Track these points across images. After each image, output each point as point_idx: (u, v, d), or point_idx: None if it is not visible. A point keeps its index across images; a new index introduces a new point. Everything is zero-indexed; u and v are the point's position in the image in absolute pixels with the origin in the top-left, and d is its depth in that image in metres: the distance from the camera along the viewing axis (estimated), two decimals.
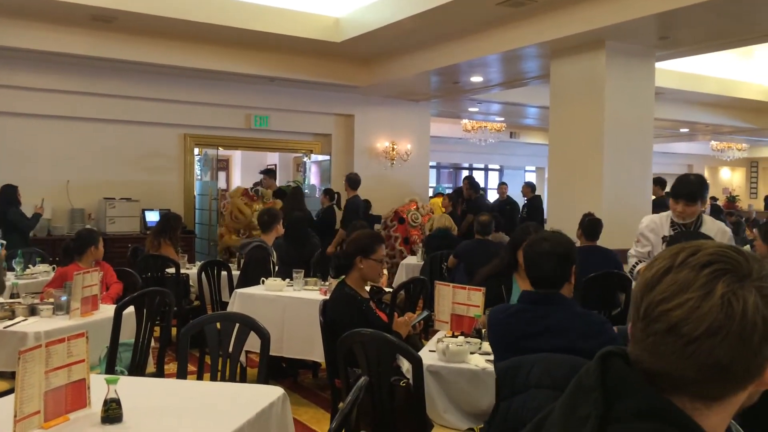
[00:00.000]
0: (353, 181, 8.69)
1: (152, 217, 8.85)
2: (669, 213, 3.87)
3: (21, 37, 7.38)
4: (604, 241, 5.42)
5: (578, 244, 5.31)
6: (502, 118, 14.00)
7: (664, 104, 10.03)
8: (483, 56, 7.76)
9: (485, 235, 5.99)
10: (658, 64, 7.41)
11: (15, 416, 1.95)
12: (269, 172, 10.05)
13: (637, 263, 3.92)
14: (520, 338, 2.34)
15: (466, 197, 9.37)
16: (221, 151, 11.01)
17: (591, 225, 5.31)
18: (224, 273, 5.89)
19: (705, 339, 0.85)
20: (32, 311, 3.80)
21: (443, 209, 9.37)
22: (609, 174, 6.78)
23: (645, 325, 0.90)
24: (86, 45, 7.73)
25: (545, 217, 9.73)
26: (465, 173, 19.59)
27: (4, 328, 3.54)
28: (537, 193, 11.45)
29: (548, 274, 2.42)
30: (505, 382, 2.20)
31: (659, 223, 3.87)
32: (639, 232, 3.92)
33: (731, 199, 18.48)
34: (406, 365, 2.99)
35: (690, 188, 3.67)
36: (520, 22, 7.00)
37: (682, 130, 14.53)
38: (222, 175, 14.20)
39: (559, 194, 7.32)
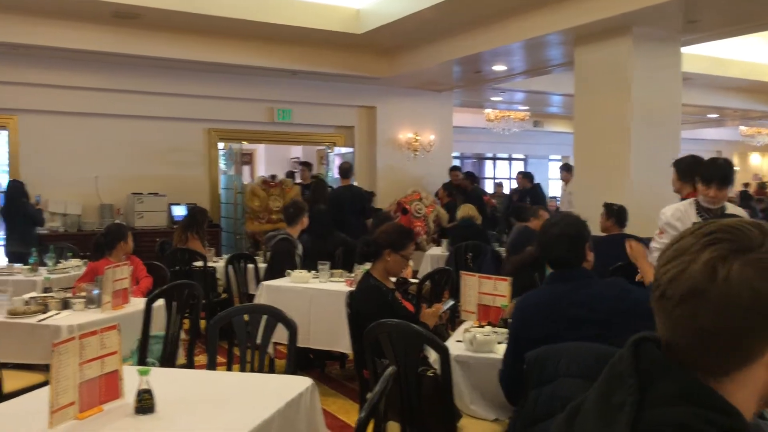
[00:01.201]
0: (343, 170, 8.51)
1: (179, 211, 8.95)
2: (691, 200, 3.78)
3: (47, 36, 7.49)
4: (631, 230, 5.36)
5: (607, 233, 5.27)
6: (526, 107, 13.88)
7: (691, 90, 9.87)
8: (506, 44, 7.69)
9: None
10: (685, 49, 7.29)
11: (51, 407, 1.99)
12: (306, 164, 10.11)
13: None
14: (555, 317, 2.38)
15: (462, 188, 9.41)
16: (245, 145, 11.09)
17: (622, 211, 5.26)
18: (250, 266, 5.94)
19: (687, 301, 0.87)
20: (65, 305, 3.87)
21: (438, 201, 9.35)
22: (636, 162, 6.69)
23: (654, 296, 0.92)
24: (110, 42, 7.81)
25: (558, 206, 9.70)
26: (489, 163, 19.50)
27: (38, 321, 3.61)
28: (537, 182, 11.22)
29: (563, 255, 2.50)
30: (534, 372, 2.19)
31: (684, 211, 3.77)
32: (664, 223, 3.81)
33: (762, 186, 18.14)
34: (433, 355, 2.99)
35: (723, 171, 3.59)
36: (544, 8, 6.92)
37: (710, 115, 14.29)
38: (246, 169, 14.30)
39: (584, 183, 7.24)
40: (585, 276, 2.49)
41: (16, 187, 7.68)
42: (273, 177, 9.58)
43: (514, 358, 2.46)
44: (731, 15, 6.45)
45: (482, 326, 3.30)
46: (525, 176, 11.03)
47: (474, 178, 10.73)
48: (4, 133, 8.59)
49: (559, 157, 19.17)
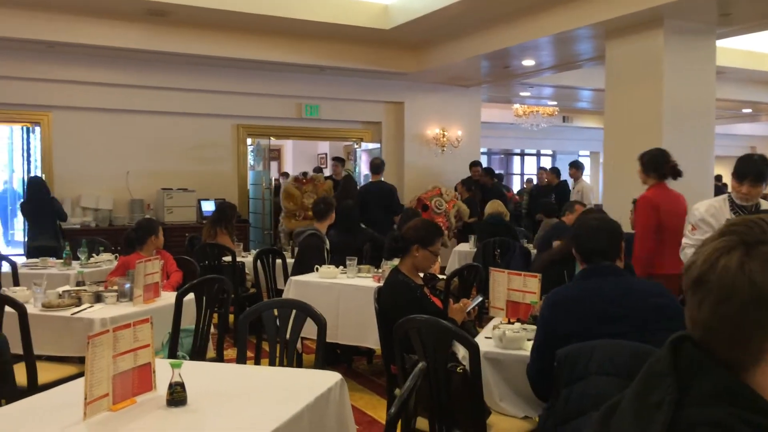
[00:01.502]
0: (374, 166, 8.46)
1: (208, 206, 9.04)
2: (725, 196, 3.77)
3: (80, 33, 7.62)
4: None
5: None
6: (555, 102, 13.75)
7: (725, 84, 9.66)
8: (535, 39, 7.61)
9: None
10: (719, 42, 7.14)
11: (85, 399, 2.02)
12: (338, 159, 10.16)
13: None
14: (585, 312, 2.38)
15: (482, 184, 9.31)
16: (273, 141, 11.14)
17: None
18: (279, 261, 5.98)
19: (694, 291, 0.88)
20: (97, 298, 3.93)
21: (458, 197, 9.26)
22: None
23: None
24: (142, 39, 7.92)
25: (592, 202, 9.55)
26: (516, 159, 19.37)
27: (72, 314, 3.68)
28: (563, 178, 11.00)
29: (602, 246, 2.52)
30: (565, 369, 2.17)
31: (718, 208, 3.75)
32: (698, 219, 3.78)
33: None
34: (462, 352, 2.98)
35: (757, 167, 3.57)
36: (574, 2, 6.84)
37: (744, 110, 14.00)
38: (274, 164, 14.37)
39: (615, 179, 7.15)
40: (618, 272, 2.47)
41: (39, 184, 7.75)
42: (305, 174, 9.64)
43: (542, 352, 2.45)
44: (766, 7, 6.30)
45: (511, 323, 3.29)
46: (552, 171, 10.90)
47: (493, 174, 10.54)
48: (38, 130, 8.75)
49: (588, 152, 18.97)
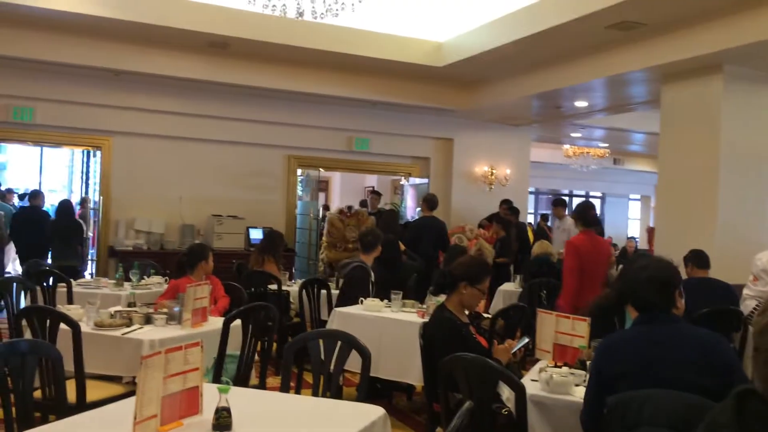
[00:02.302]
0: (429, 201, 8.45)
1: (256, 234, 9.17)
2: None
3: (144, 63, 7.94)
4: (716, 275, 5.12)
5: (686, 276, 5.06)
6: (606, 144, 13.61)
7: None
8: (588, 81, 7.59)
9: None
10: None
11: (135, 418, 2.05)
12: (376, 193, 10.35)
13: (758, 305, 3.68)
14: (643, 358, 2.32)
15: (507, 221, 8.98)
16: (322, 173, 11.30)
17: (698, 252, 5.04)
18: (323, 292, 6.01)
19: (757, 350, 0.90)
20: (147, 320, 4.01)
21: (494, 235, 9.07)
22: (724, 205, 6.41)
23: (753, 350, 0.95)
24: (201, 70, 8.20)
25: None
26: (566, 200, 19.14)
27: (122, 334, 3.75)
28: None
29: (652, 299, 2.42)
30: (615, 418, 2.12)
31: None
32: (760, 270, 3.68)
33: None
34: (506, 393, 2.94)
35: None
36: (629, 45, 6.80)
37: None
38: (322, 195, 14.55)
39: (667, 225, 7.01)
40: (671, 320, 2.41)
41: (68, 207, 8.37)
42: (350, 208, 9.75)
43: (594, 396, 2.40)
44: None
45: (558, 366, 3.22)
46: (560, 204, 10.24)
47: (517, 213, 9.99)
48: (98, 153, 9.07)
49: (638, 196, 18.66)
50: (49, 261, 8.01)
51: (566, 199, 18.91)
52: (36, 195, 8.86)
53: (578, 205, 5.72)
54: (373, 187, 14.64)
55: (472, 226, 9.71)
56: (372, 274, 5.55)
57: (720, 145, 6.42)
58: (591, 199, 18.92)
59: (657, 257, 2.62)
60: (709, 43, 6.03)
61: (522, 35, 6.98)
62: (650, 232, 10.70)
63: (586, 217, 5.36)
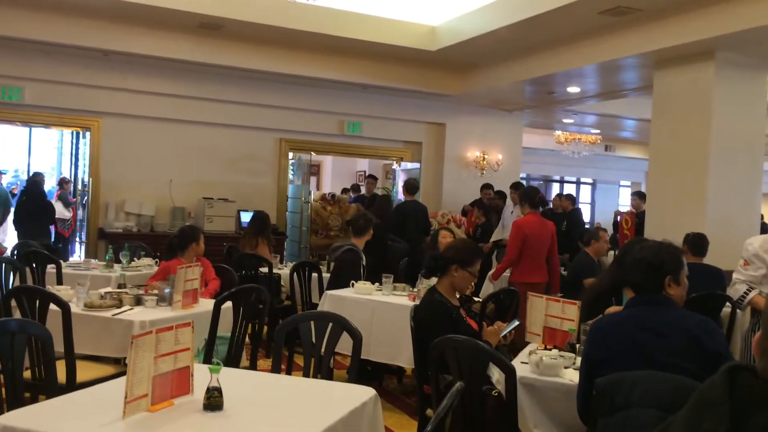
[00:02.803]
0: (410, 186, 8.41)
1: (246, 217, 9.12)
2: None
3: (134, 43, 7.85)
4: (705, 260, 5.17)
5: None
6: (598, 130, 13.63)
7: None
8: (581, 66, 7.58)
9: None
10: None
11: (125, 397, 2.05)
12: (372, 177, 10.41)
13: (749, 290, 3.71)
14: (630, 342, 2.34)
15: (493, 207, 8.93)
16: (313, 156, 11.27)
17: (696, 239, 5.07)
18: (314, 275, 6.01)
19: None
20: (138, 301, 4.00)
21: (475, 220, 9.10)
22: (714, 192, 6.45)
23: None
24: (193, 51, 8.12)
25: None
26: (556, 186, 19.19)
27: (113, 315, 3.74)
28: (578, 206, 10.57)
29: (638, 281, 2.46)
30: (604, 399, 2.13)
31: None
32: (752, 254, 3.72)
33: None
34: (496, 375, 2.95)
35: None
36: (623, 31, 6.79)
37: None
38: (313, 180, 14.51)
39: (658, 211, 7.03)
40: (661, 302, 2.42)
41: (39, 183, 8.57)
42: (333, 196, 9.77)
43: (585, 378, 2.43)
44: None
45: (548, 349, 3.24)
46: (568, 198, 10.07)
47: (504, 197, 9.96)
48: (88, 135, 9.00)
49: (629, 182, 18.71)
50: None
51: (524, 182, 18.97)
52: (37, 178, 8.96)
53: (525, 189, 6.38)
54: (365, 171, 14.62)
55: (445, 211, 9.74)
56: (363, 257, 5.56)
57: (711, 132, 6.44)
58: (582, 186, 19.01)
59: (659, 241, 2.61)
60: (702, 29, 6.03)
61: (515, 20, 6.95)
62: (618, 216, 10.50)
63: (533, 200, 6.06)
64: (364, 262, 5.55)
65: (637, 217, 8.81)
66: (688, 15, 6.11)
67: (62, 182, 11.02)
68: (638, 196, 9.32)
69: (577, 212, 10.07)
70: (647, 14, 6.37)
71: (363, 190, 11.55)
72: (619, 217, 10.63)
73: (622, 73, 7.85)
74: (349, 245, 5.53)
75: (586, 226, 10.06)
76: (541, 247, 5.94)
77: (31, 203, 8.54)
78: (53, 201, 9.83)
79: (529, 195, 6.17)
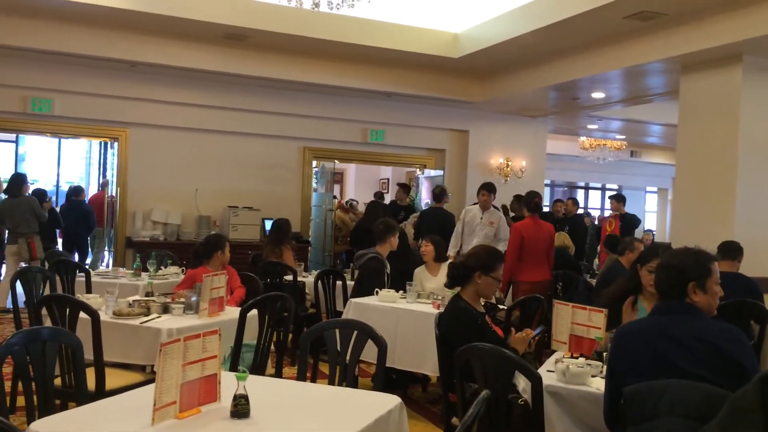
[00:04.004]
0: (436, 194, 8.38)
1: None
2: None
3: (161, 54, 7.97)
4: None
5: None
6: (623, 136, 13.50)
7: None
8: (606, 72, 7.53)
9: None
10: None
11: (154, 404, 2.07)
12: (404, 186, 10.26)
13: None
14: (654, 350, 2.30)
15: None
16: (337, 164, 11.32)
17: (725, 245, 4.99)
18: (339, 283, 6.03)
19: None
20: (165, 309, 4.04)
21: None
22: (743, 197, 6.34)
23: None
24: (218, 62, 8.22)
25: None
26: (581, 192, 19.04)
27: (141, 323, 3.79)
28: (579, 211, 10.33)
29: (661, 286, 2.42)
30: (633, 408, 2.11)
31: None
32: None
33: None
34: (522, 383, 2.93)
35: None
36: (648, 35, 6.73)
37: None
38: (336, 187, 14.57)
39: (685, 218, 6.94)
40: (686, 310, 2.35)
41: (41, 195, 8.66)
42: (349, 203, 9.75)
43: (610, 386, 2.41)
44: None
45: (574, 357, 3.21)
46: (573, 202, 9.85)
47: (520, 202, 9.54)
48: (116, 145, 9.14)
49: (655, 188, 18.50)
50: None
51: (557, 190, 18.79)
52: (79, 191, 9.30)
53: (526, 195, 6.64)
54: (389, 179, 14.65)
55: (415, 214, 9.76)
56: (388, 265, 5.55)
57: (739, 137, 6.34)
58: (608, 192, 18.82)
59: (687, 246, 2.56)
60: (728, 33, 5.95)
61: (539, 26, 6.93)
62: (602, 222, 10.23)
63: (529, 204, 6.45)
64: (388, 270, 5.54)
65: (621, 219, 8.75)
66: (715, 19, 6.04)
67: (77, 191, 11.24)
68: (616, 199, 9.19)
69: (580, 217, 9.99)
70: (673, 18, 6.31)
71: (387, 198, 11.54)
72: (596, 221, 10.61)
73: (648, 78, 7.78)
74: (373, 253, 5.53)
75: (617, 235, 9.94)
76: (539, 248, 6.33)
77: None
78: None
79: (525, 200, 6.59)
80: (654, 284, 2.51)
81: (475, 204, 7.63)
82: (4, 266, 8.77)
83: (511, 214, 9.22)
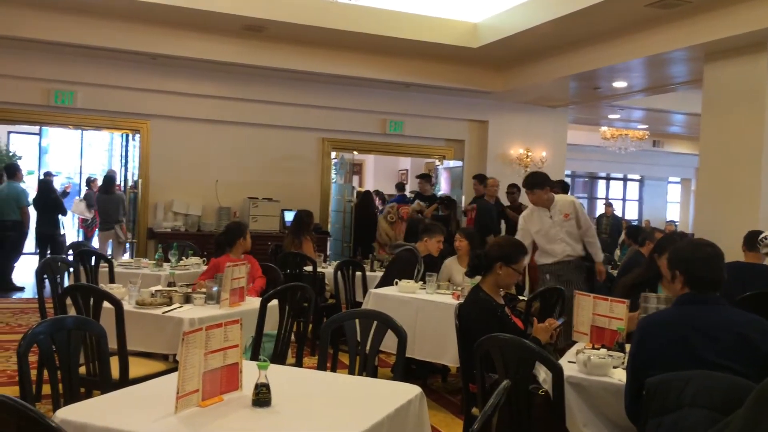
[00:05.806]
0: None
1: (290, 216, 9.22)
2: None
3: (180, 46, 8.01)
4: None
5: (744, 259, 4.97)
6: (645, 126, 13.35)
7: None
8: (627, 61, 7.44)
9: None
10: None
11: (177, 392, 2.09)
12: (425, 177, 10.17)
13: None
14: (678, 341, 2.29)
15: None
16: (356, 156, 11.32)
17: (752, 236, 4.93)
18: (358, 273, 6.04)
19: None
20: (187, 299, 4.08)
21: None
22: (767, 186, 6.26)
23: None
24: (237, 53, 8.25)
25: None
26: (602, 183, 18.87)
27: (163, 313, 3.83)
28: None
29: (718, 277, 2.41)
30: (656, 399, 2.09)
31: None
32: None
33: None
34: (542, 374, 2.92)
35: None
36: (671, 23, 6.64)
37: None
38: (355, 178, 14.59)
39: (708, 208, 6.85)
40: (716, 302, 2.37)
41: (48, 183, 9.99)
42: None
43: (632, 376, 2.39)
44: None
45: (596, 348, 3.19)
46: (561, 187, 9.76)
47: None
48: (137, 137, 9.23)
49: (678, 179, 18.29)
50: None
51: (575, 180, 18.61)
52: (111, 183, 9.65)
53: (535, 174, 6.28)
54: (408, 169, 14.63)
55: (392, 205, 9.80)
56: (421, 261, 5.51)
57: (764, 125, 6.25)
58: (629, 182, 18.65)
59: (698, 238, 2.57)
60: (753, 20, 5.85)
61: (559, 14, 6.86)
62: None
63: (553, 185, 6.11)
64: (420, 267, 5.49)
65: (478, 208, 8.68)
66: (739, 6, 5.94)
67: (89, 182, 11.44)
68: (478, 179, 9.06)
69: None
70: (696, 5, 6.21)
71: (411, 189, 11.46)
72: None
73: (671, 66, 7.67)
74: (410, 245, 5.55)
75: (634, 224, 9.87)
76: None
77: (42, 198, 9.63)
78: (78, 200, 11.56)
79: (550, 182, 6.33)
80: (699, 276, 2.49)
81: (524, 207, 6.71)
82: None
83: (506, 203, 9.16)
